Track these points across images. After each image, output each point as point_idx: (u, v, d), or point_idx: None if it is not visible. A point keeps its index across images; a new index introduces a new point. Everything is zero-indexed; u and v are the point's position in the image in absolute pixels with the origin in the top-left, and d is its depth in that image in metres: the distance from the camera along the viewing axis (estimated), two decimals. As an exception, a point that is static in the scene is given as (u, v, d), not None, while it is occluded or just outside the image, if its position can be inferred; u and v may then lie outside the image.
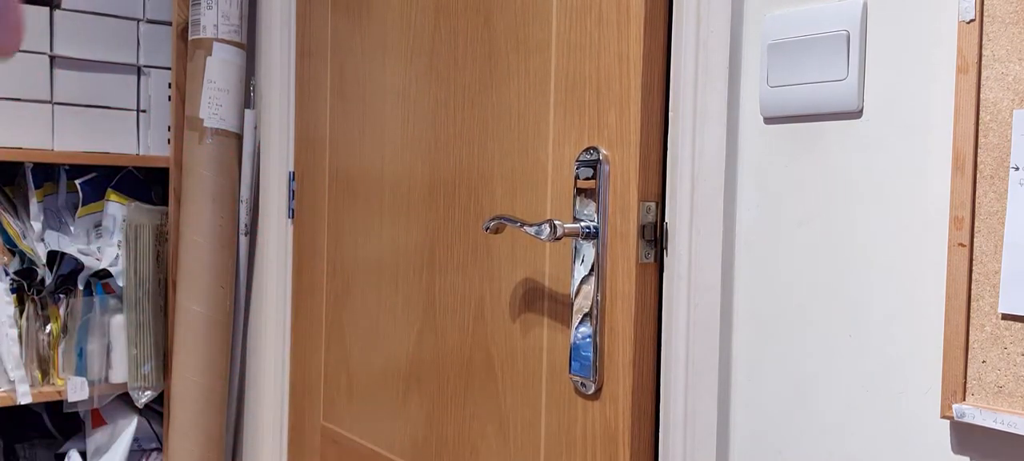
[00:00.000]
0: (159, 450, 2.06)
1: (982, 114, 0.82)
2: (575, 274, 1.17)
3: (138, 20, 1.98)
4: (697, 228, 1.06)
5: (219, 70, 1.84)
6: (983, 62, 0.82)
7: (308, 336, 1.78)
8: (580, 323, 1.16)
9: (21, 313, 1.85)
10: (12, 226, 1.89)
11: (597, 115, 1.15)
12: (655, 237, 1.11)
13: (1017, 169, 0.80)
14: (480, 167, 1.34)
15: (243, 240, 1.91)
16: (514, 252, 1.28)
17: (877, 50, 0.92)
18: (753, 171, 1.04)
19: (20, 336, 1.85)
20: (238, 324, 1.96)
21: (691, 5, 1.07)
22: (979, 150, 0.83)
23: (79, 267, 1.90)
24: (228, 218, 1.87)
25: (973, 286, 0.83)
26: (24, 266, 1.86)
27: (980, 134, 0.83)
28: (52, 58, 1.88)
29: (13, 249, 1.86)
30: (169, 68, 1.98)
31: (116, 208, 1.98)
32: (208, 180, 1.84)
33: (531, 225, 1.15)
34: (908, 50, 0.90)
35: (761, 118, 1.03)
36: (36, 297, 1.86)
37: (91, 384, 1.92)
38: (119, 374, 1.96)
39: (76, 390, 1.89)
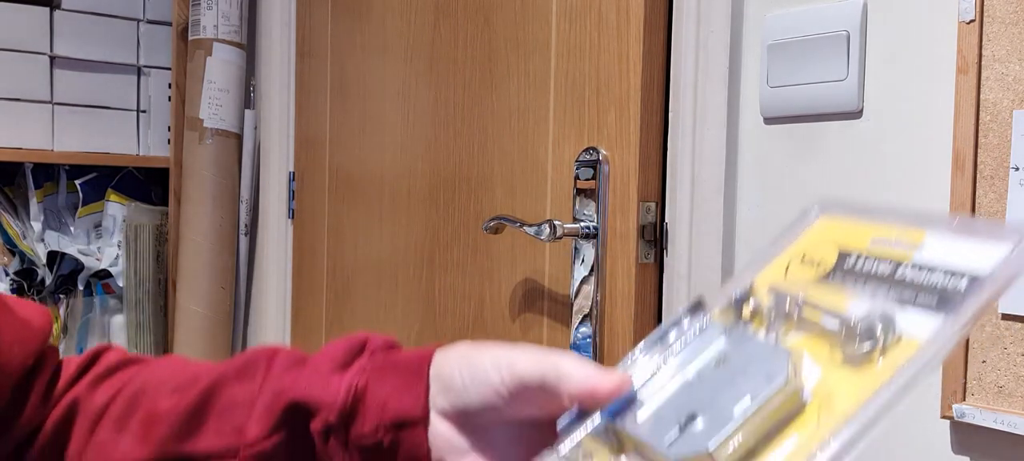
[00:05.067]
0: (159, 450, 2.06)
1: (982, 114, 0.82)
2: (575, 274, 1.17)
3: (138, 20, 1.97)
4: (697, 228, 1.06)
5: (219, 70, 1.84)
6: (983, 62, 0.82)
7: (308, 336, 1.78)
8: (580, 323, 1.16)
9: (21, 313, 1.85)
10: (12, 226, 1.89)
11: (597, 115, 1.15)
12: (655, 237, 1.11)
13: (1017, 169, 0.80)
14: (480, 167, 1.34)
15: (243, 240, 1.91)
16: (514, 252, 1.28)
17: (877, 50, 0.92)
18: (753, 171, 1.04)
19: (20, 336, 1.85)
20: (238, 324, 1.96)
21: (691, 5, 1.07)
22: (979, 150, 0.83)
23: (79, 267, 1.90)
24: (228, 218, 1.87)
25: (973, 286, 0.83)
26: (24, 266, 1.86)
27: (980, 134, 0.83)
28: (52, 58, 1.88)
29: (13, 249, 1.86)
30: (169, 68, 1.98)
31: (116, 208, 1.98)
32: (208, 180, 1.84)
33: (531, 225, 1.15)
34: (908, 50, 0.90)
35: (761, 118, 1.03)
36: (36, 297, 1.86)
37: (91, 384, 1.92)
38: (119, 374, 1.96)
39: (76, 390, 1.89)
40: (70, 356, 0.63)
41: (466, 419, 0.52)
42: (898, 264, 0.47)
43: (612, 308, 1.13)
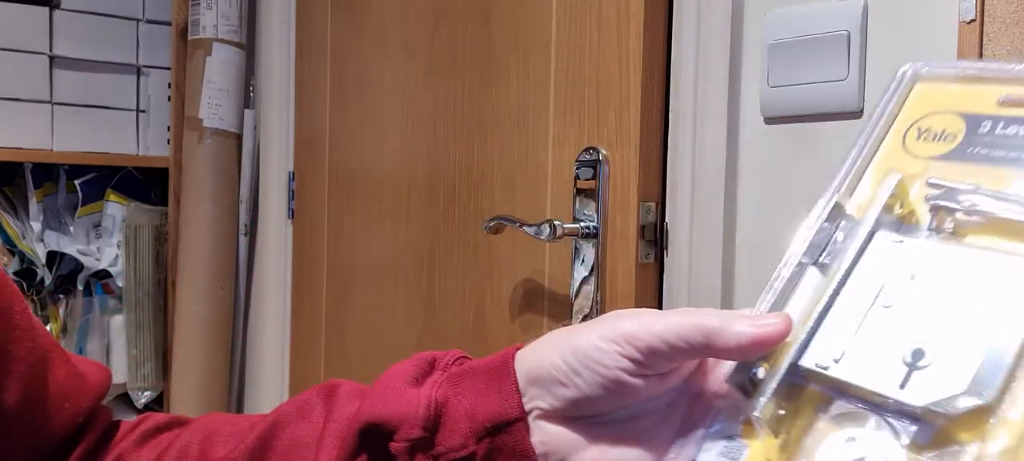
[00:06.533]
0: (159, 450, 2.06)
1: (983, 114, 0.82)
2: (575, 274, 1.16)
3: (137, 20, 1.97)
4: (697, 228, 1.06)
5: (218, 70, 1.83)
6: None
7: (308, 336, 1.78)
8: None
9: (21, 313, 1.85)
10: (11, 226, 1.89)
11: (597, 115, 1.15)
12: (655, 237, 1.11)
13: (1018, 169, 0.80)
14: (480, 167, 1.33)
15: (243, 240, 1.91)
16: (514, 252, 1.27)
17: (877, 50, 0.92)
18: (753, 171, 1.04)
19: (20, 336, 1.85)
20: (238, 324, 1.96)
21: (691, 5, 1.07)
22: (980, 150, 0.83)
23: (79, 267, 1.90)
24: (228, 218, 1.86)
25: (974, 286, 0.83)
26: (24, 266, 1.85)
27: (981, 134, 0.82)
28: (51, 58, 1.88)
29: (12, 249, 1.86)
30: (168, 68, 1.98)
31: (115, 208, 1.98)
32: (208, 180, 1.84)
33: (531, 225, 1.15)
34: (908, 50, 0.90)
35: (761, 118, 1.03)
36: (36, 297, 1.86)
37: (91, 384, 1.92)
38: (119, 374, 1.96)
39: (76, 390, 1.89)
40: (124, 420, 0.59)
41: (577, 411, 0.46)
42: None
43: (612, 308, 1.12)
